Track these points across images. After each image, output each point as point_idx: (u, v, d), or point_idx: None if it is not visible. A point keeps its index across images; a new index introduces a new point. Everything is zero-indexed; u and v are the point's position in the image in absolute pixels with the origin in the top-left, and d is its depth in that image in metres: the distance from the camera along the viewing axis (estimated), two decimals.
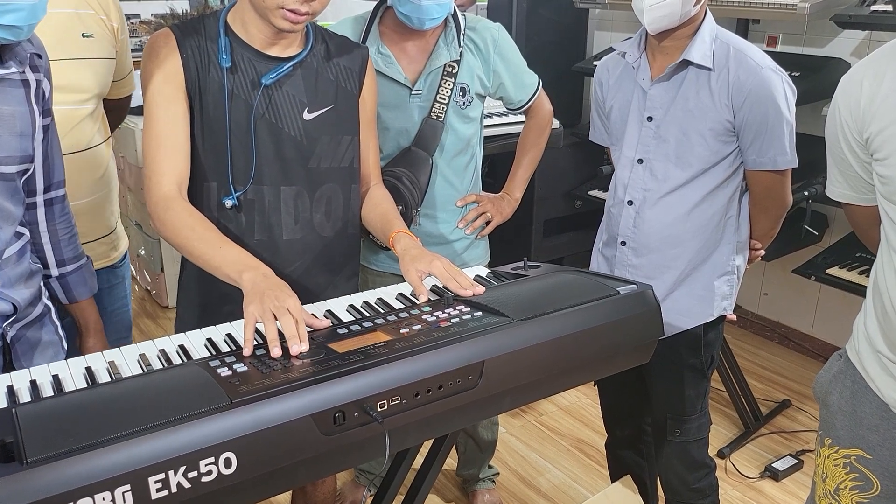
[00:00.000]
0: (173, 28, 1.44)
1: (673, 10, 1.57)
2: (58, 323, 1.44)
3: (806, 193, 2.55)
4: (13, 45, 1.24)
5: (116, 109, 1.90)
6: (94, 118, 1.74)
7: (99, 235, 1.79)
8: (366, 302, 1.40)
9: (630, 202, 1.77)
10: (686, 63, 1.65)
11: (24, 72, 1.28)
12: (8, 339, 1.30)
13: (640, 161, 1.74)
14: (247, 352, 1.13)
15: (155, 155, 1.41)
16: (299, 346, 1.12)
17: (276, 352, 1.11)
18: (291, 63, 1.47)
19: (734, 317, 1.85)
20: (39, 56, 1.33)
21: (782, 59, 1.72)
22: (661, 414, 1.86)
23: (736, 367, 2.72)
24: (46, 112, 1.35)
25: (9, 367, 1.31)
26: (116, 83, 1.82)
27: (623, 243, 1.80)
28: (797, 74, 2.71)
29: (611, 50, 1.83)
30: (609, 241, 1.86)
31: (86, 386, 1.10)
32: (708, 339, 1.81)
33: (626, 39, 1.82)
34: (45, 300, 1.41)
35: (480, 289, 1.34)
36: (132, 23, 4.37)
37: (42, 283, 1.41)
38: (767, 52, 1.69)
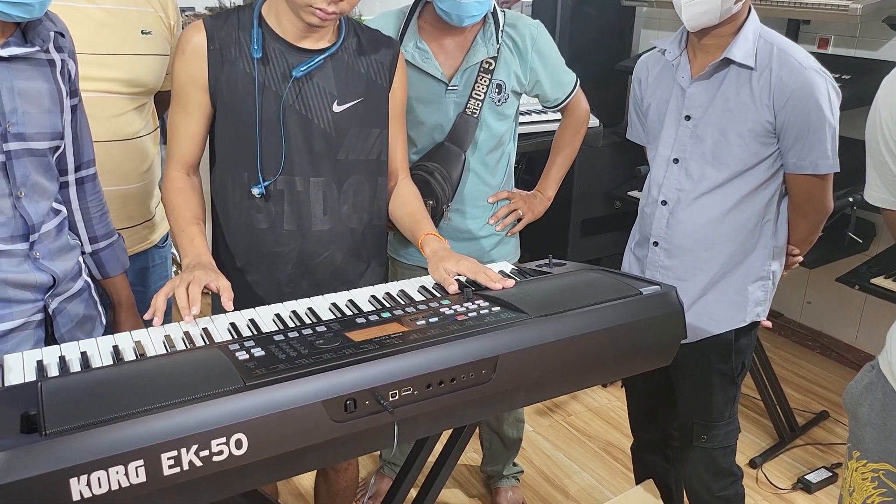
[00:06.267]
0: (206, 20, 1.47)
1: (712, 7, 1.54)
2: (97, 299, 1.49)
3: (851, 200, 2.47)
4: (35, 25, 1.28)
5: (161, 102, 1.95)
6: (143, 111, 1.79)
7: (139, 221, 1.84)
8: (388, 293, 1.41)
9: (664, 202, 1.74)
10: (727, 61, 1.62)
11: (48, 50, 1.32)
12: (50, 311, 1.35)
13: (676, 160, 1.72)
14: (155, 322, 1.22)
15: (170, 143, 1.54)
16: (189, 314, 1.22)
17: (186, 318, 1.22)
18: (323, 56, 1.48)
19: (769, 324, 1.81)
20: (62, 35, 1.37)
21: (833, 62, 1.67)
22: (687, 419, 1.83)
23: (772, 376, 2.66)
24: (73, 92, 1.40)
25: (50, 340, 1.37)
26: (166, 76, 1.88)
27: (655, 244, 1.77)
28: (848, 77, 2.62)
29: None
30: (641, 242, 1.84)
31: (111, 363, 1.13)
32: (739, 345, 1.77)
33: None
34: (86, 276, 1.46)
35: (510, 282, 1.34)
36: (186, 16, 4.45)
37: (81, 260, 1.46)
38: (818, 55, 1.64)
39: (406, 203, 1.63)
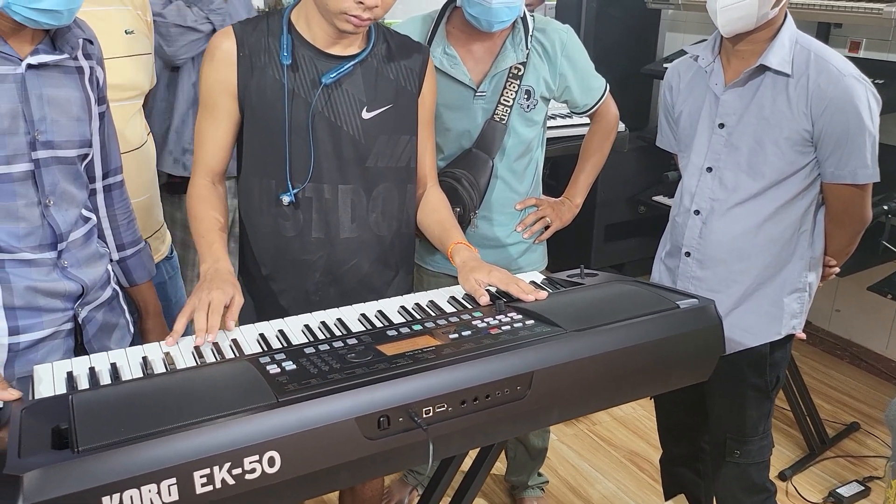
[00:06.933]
0: (235, 26, 1.46)
1: (749, 12, 1.50)
2: (125, 307, 1.49)
3: (885, 208, 2.41)
4: (64, 32, 1.28)
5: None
6: (141, 116, 1.78)
7: (152, 232, 1.83)
8: (417, 304, 1.39)
9: (697, 212, 1.70)
10: (763, 68, 1.58)
11: (76, 58, 1.31)
12: (80, 320, 1.34)
13: (710, 169, 1.68)
14: (168, 342, 1.20)
15: (196, 150, 1.53)
16: (203, 338, 1.20)
17: (198, 340, 1.20)
18: (352, 62, 1.47)
19: (803, 335, 1.77)
20: (91, 42, 1.36)
21: (865, 66, 1.63)
22: (720, 433, 1.79)
23: (802, 386, 2.61)
24: (101, 99, 1.39)
25: (80, 349, 1.36)
26: None
27: (687, 254, 1.73)
28: (881, 82, 2.57)
29: (682, 52, 1.77)
30: (672, 251, 1.80)
31: (141, 376, 1.12)
32: (774, 359, 1.73)
33: (698, 42, 1.76)
34: (114, 285, 1.46)
35: (543, 293, 1.32)
36: None
37: (109, 268, 1.45)
38: (849, 59, 1.60)
39: (435, 211, 1.61)
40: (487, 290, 1.43)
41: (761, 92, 1.60)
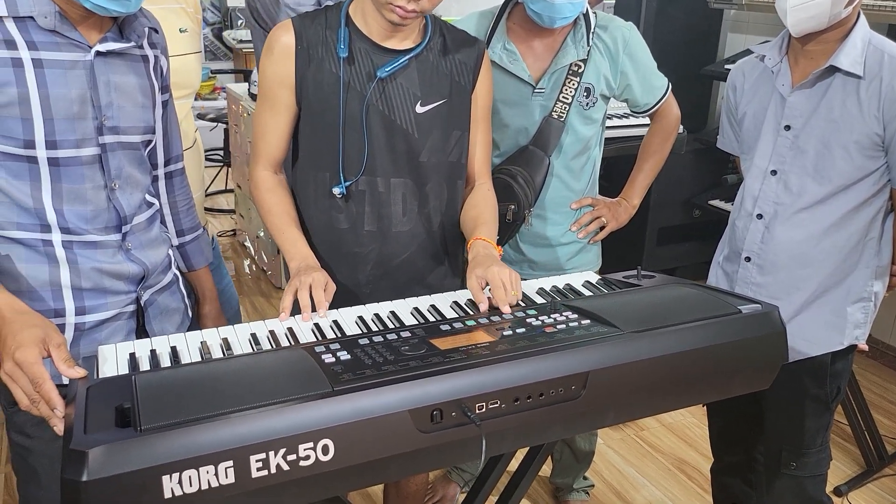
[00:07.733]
0: (294, 20, 1.48)
1: (820, 12, 1.46)
2: (185, 292, 1.52)
3: None
4: (131, 21, 1.31)
5: None
6: (191, 115, 1.80)
7: None
8: (470, 299, 1.38)
9: (759, 216, 1.66)
10: (833, 69, 1.53)
11: (142, 46, 1.35)
12: (142, 302, 1.38)
13: (774, 172, 1.63)
14: (281, 318, 1.29)
15: (256, 141, 1.55)
16: (308, 314, 1.29)
17: (304, 317, 1.29)
18: (407, 56, 1.47)
19: (866, 347, 1.71)
20: (156, 31, 1.39)
21: None
22: (776, 444, 1.74)
23: (861, 400, 2.52)
24: (165, 88, 1.42)
25: (141, 331, 1.40)
26: None
27: (747, 259, 1.69)
28: None
29: (746, 53, 1.73)
30: (731, 256, 1.76)
31: (200, 360, 1.14)
32: (835, 369, 1.67)
33: (762, 42, 1.71)
34: (175, 269, 1.49)
35: (507, 309, 1.27)
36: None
37: (170, 253, 1.48)
38: None
39: (475, 206, 1.58)
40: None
41: (830, 94, 1.55)
